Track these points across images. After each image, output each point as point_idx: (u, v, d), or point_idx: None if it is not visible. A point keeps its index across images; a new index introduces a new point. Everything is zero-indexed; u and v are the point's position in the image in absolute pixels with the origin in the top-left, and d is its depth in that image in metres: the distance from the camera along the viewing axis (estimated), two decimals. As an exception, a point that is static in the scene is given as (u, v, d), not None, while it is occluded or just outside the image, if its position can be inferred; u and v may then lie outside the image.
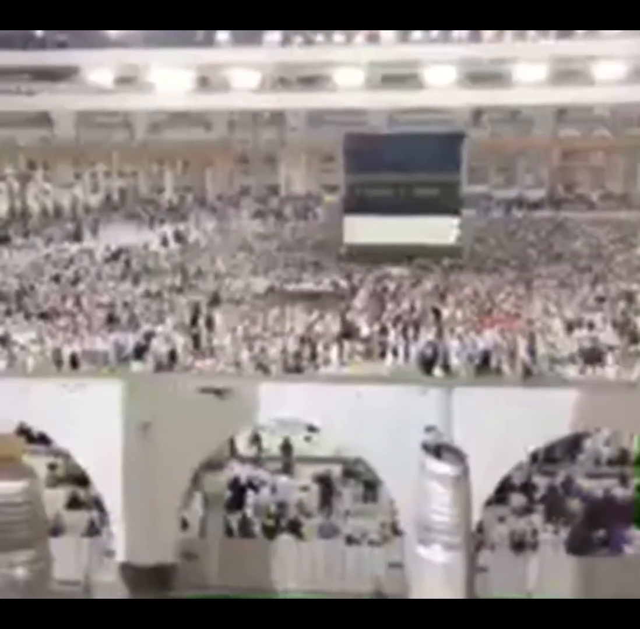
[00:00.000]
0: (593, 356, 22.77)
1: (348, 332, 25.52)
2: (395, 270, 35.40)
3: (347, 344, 24.57)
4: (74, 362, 23.08)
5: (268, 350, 23.78)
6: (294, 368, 22.47)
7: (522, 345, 23.57)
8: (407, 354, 23.64)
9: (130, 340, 24.76)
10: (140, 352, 23.68)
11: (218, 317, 27.43)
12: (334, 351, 24.03)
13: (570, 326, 25.82)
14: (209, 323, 26.78)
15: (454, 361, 22.44)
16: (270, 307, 28.89)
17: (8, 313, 28.72)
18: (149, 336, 25.09)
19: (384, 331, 25.54)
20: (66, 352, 23.59)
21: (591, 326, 25.85)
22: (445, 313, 27.55)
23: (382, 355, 24.14)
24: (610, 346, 23.82)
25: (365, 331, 25.71)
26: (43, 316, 28.19)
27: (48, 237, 45.94)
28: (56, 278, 34.45)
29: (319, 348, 24.13)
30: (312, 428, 15.27)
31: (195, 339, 24.94)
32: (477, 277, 34.24)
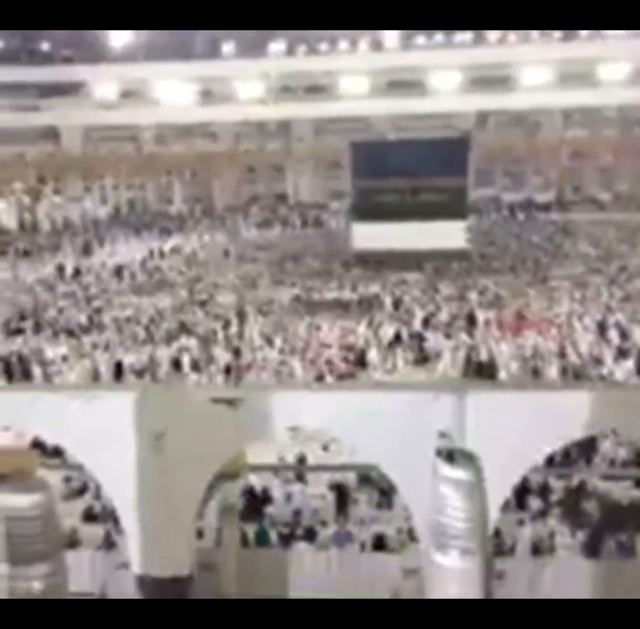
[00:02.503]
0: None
1: (386, 339, 25.44)
2: (410, 276, 35.39)
3: (391, 351, 24.49)
4: (119, 373, 23.00)
5: (317, 361, 23.69)
6: (347, 376, 22.48)
7: (568, 348, 23.47)
8: (453, 359, 23.54)
9: (165, 355, 24.56)
10: (177, 367, 23.55)
11: (251, 329, 27.22)
12: (375, 358, 23.93)
13: (602, 328, 25.67)
14: (242, 335, 26.58)
15: (512, 365, 22.32)
16: (299, 318, 28.86)
17: (38, 329, 28.53)
18: (181, 350, 24.82)
19: (421, 337, 25.44)
20: (102, 367, 23.53)
21: (619, 327, 25.67)
22: (479, 317, 27.50)
23: (425, 360, 24.09)
24: None
25: (402, 337, 25.62)
26: (71, 333, 27.98)
27: (58, 251, 46.14)
28: (70, 294, 34.44)
29: (371, 355, 24.01)
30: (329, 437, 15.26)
31: (236, 353, 24.56)
32: (493, 279, 34.20)
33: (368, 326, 27.13)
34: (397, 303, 30.52)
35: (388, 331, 26.24)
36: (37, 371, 23.53)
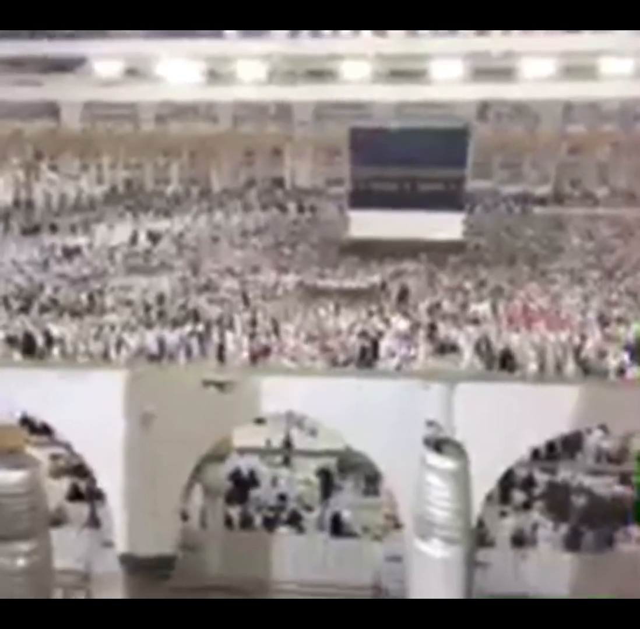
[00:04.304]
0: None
1: (399, 328, 25.24)
2: (409, 266, 35.34)
3: (408, 340, 24.20)
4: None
5: (336, 347, 23.39)
6: (366, 364, 22.25)
7: (579, 343, 23.30)
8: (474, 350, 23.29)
9: (174, 338, 24.07)
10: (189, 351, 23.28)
11: (262, 315, 26.87)
12: (391, 346, 23.59)
13: (605, 322, 25.52)
14: (254, 322, 26.17)
15: (531, 358, 22.12)
16: (306, 304, 28.63)
17: (45, 309, 28.02)
18: (192, 334, 24.46)
19: (433, 327, 25.28)
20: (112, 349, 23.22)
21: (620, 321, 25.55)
22: (487, 309, 27.36)
23: (442, 350, 23.72)
24: None
25: (410, 327, 25.37)
26: (75, 314, 27.54)
27: (53, 229, 45.87)
28: (64, 275, 34.06)
29: (385, 344, 23.70)
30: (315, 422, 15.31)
31: (251, 338, 24.15)
32: (491, 272, 34.17)
33: (376, 315, 26.92)
34: (403, 293, 30.29)
35: (399, 320, 25.97)
36: (54, 350, 23.22)
